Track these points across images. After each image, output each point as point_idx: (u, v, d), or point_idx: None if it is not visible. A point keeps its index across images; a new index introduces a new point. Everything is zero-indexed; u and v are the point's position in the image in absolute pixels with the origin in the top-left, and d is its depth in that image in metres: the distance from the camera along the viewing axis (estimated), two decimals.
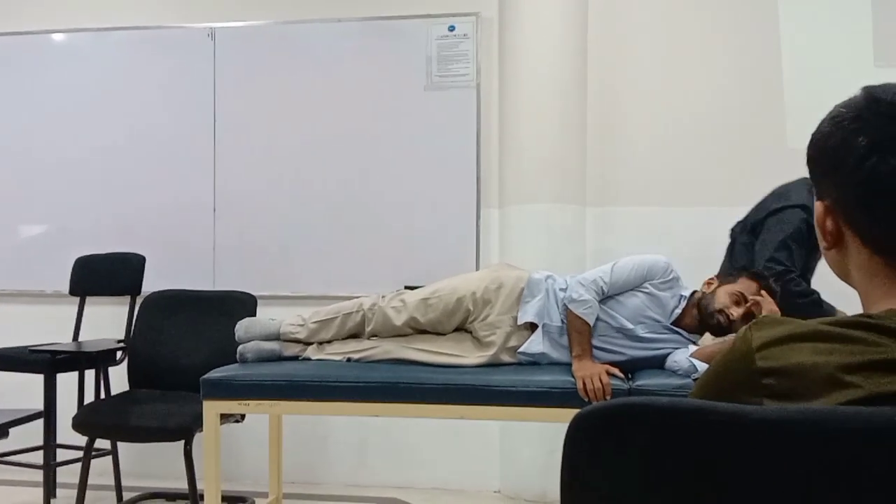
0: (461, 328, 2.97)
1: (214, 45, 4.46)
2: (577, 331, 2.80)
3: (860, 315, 0.94)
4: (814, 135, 1.04)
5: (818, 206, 1.02)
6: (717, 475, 0.83)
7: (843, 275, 1.05)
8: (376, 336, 2.98)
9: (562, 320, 2.88)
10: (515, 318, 2.91)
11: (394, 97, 4.29)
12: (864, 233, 0.98)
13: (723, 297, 2.82)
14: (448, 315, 2.91)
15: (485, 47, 4.22)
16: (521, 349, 2.89)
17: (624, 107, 4.15)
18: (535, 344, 2.89)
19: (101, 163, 4.54)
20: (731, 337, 2.76)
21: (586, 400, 2.54)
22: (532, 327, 2.92)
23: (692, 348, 2.83)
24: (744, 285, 2.83)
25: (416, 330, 2.95)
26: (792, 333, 0.91)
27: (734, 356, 0.95)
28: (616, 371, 2.69)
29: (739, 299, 2.79)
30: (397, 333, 2.96)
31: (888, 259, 0.97)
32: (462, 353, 2.89)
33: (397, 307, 2.93)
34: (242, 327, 3.05)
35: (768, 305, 2.76)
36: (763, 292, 2.78)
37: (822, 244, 1.04)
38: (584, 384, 2.61)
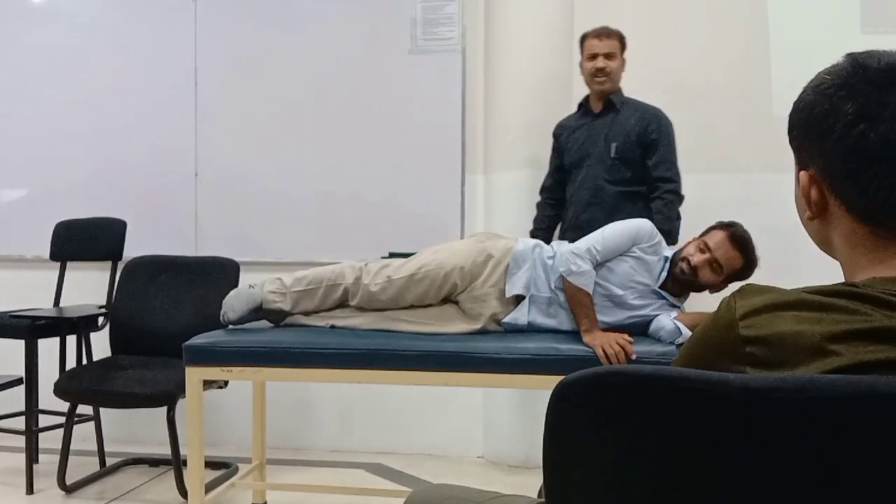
0: (447, 299, 2.96)
1: (196, 6, 4.39)
2: (580, 303, 2.80)
3: (843, 284, 0.93)
4: (796, 103, 1.03)
5: (802, 176, 1.01)
6: (700, 443, 0.83)
7: (825, 245, 1.05)
8: (361, 308, 2.96)
9: (551, 289, 2.89)
10: (502, 290, 2.91)
11: (378, 61, 4.25)
12: (851, 201, 0.98)
13: (690, 247, 2.91)
14: (436, 290, 2.90)
15: (470, 10, 4.17)
16: (506, 319, 2.90)
17: None
18: (521, 315, 2.89)
19: (82, 126, 4.49)
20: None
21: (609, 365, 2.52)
22: (518, 297, 2.92)
23: (675, 312, 2.85)
24: (711, 236, 2.90)
25: (402, 305, 2.94)
26: (775, 302, 0.90)
27: (718, 324, 0.94)
28: (628, 337, 2.68)
29: (704, 248, 2.87)
30: (383, 308, 2.95)
31: (873, 228, 0.97)
32: (447, 324, 2.89)
33: (382, 285, 2.90)
34: (230, 308, 2.96)
35: (722, 253, 2.86)
36: (728, 240, 2.87)
37: (805, 214, 1.03)
38: (604, 351, 2.62)
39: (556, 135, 3.73)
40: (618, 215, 3.30)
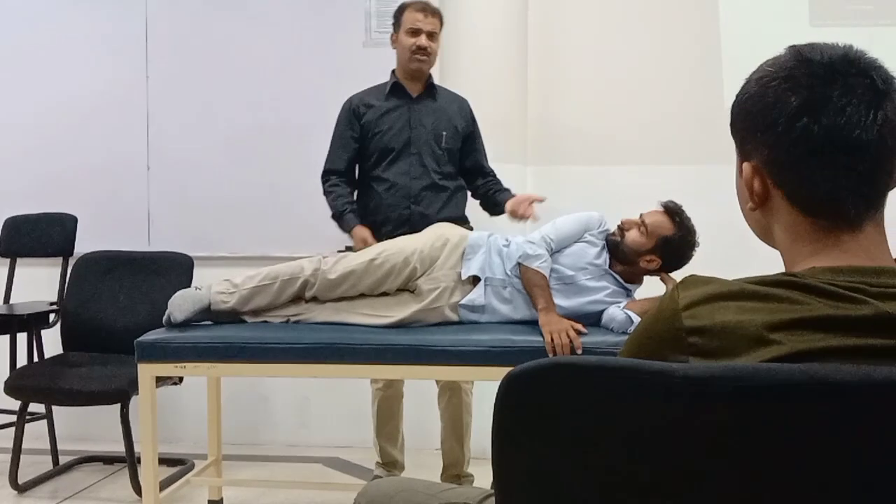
0: (403, 288, 2.96)
1: None
2: (536, 285, 2.84)
3: (784, 274, 0.95)
4: (739, 95, 1.04)
5: (746, 168, 1.03)
6: (644, 432, 0.84)
7: (765, 235, 1.06)
8: (316, 299, 2.95)
9: (506, 273, 2.92)
10: (459, 274, 2.93)
11: (332, 54, 4.23)
12: (794, 193, 0.99)
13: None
14: (395, 275, 2.89)
15: None
16: (463, 301, 2.91)
17: (564, 67, 4.14)
18: (478, 296, 2.91)
19: (30, 120, 4.42)
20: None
21: (553, 355, 2.52)
22: (475, 283, 2.94)
23: (625, 302, 2.88)
24: (648, 213, 2.96)
25: (359, 293, 2.93)
26: (718, 293, 0.92)
27: (661, 315, 0.96)
28: (581, 327, 2.71)
29: (638, 217, 2.96)
30: (340, 297, 2.93)
31: (814, 219, 0.99)
32: (403, 309, 2.89)
33: (341, 272, 2.89)
34: (177, 308, 2.85)
35: (652, 217, 2.92)
36: (660, 208, 2.95)
37: (747, 205, 1.05)
38: (552, 339, 2.63)
39: (359, 112, 3.42)
40: (447, 208, 3.34)
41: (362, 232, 3.26)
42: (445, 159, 3.40)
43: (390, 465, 3.50)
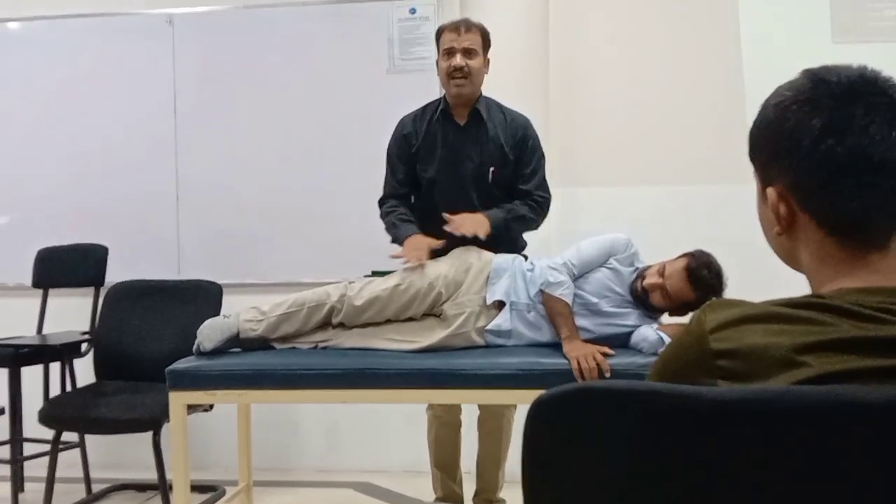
0: (429, 313, 2.96)
1: (173, 31, 4.40)
2: (559, 313, 2.82)
3: (810, 295, 0.95)
4: (757, 121, 1.05)
5: (771, 193, 1.02)
6: (675, 457, 0.84)
7: (792, 260, 1.06)
8: (343, 325, 2.96)
9: (530, 297, 2.91)
10: (484, 299, 2.93)
11: (357, 81, 4.27)
12: (820, 215, 0.99)
13: (654, 267, 2.91)
14: (420, 300, 2.90)
15: None
16: (489, 327, 2.91)
17: (585, 88, 4.15)
18: (504, 321, 2.91)
19: (61, 153, 4.48)
20: None
21: (581, 380, 2.49)
22: (500, 307, 2.93)
23: (656, 325, 2.86)
24: (674, 262, 2.88)
25: (386, 319, 2.93)
26: (745, 315, 0.92)
27: (689, 338, 0.96)
28: (608, 350, 2.69)
29: (661, 272, 2.87)
30: (366, 322, 2.94)
31: (842, 240, 0.99)
32: (430, 334, 2.89)
33: (367, 298, 2.90)
34: (206, 338, 2.86)
35: (674, 284, 2.83)
36: (683, 271, 2.83)
37: (773, 230, 1.04)
38: (579, 364, 2.62)
39: (409, 139, 3.19)
40: (502, 245, 3.10)
41: (414, 241, 3.02)
42: (497, 194, 3.14)
43: (449, 498, 3.38)
